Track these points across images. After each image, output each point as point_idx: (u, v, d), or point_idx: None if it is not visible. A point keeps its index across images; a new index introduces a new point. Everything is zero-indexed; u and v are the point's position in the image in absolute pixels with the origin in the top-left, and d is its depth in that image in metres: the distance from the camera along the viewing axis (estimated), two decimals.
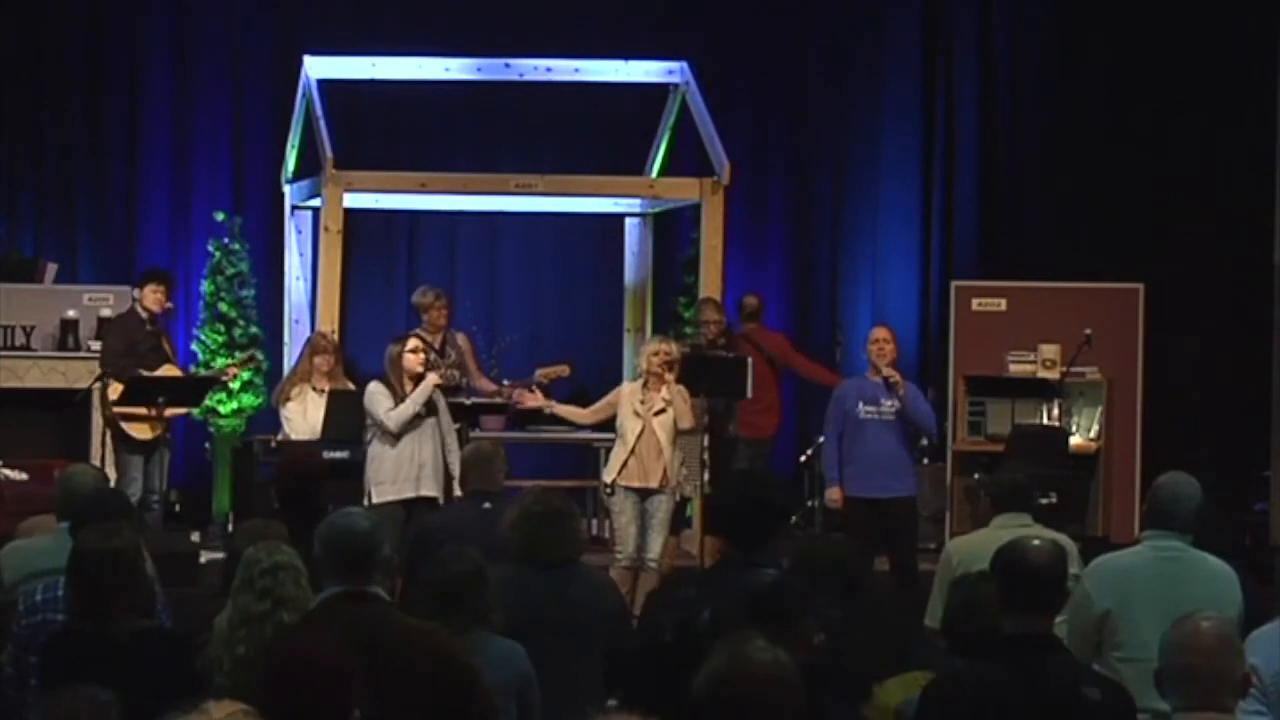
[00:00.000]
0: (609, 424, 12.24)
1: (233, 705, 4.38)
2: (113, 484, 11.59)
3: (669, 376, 12.02)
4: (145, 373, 13.47)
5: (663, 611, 6.30)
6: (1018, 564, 5.62)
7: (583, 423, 12.57)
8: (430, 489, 11.79)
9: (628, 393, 12.14)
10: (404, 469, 11.78)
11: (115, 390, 13.40)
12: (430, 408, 11.93)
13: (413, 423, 11.84)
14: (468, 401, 13.48)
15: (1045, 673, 5.50)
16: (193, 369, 15.17)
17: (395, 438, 11.81)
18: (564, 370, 14.22)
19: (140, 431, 13.47)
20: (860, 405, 12.24)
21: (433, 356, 13.57)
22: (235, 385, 15.15)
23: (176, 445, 14.43)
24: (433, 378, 11.91)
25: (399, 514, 11.59)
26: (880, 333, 12.44)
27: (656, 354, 12.05)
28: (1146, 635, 5.46)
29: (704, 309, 14.26)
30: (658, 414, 11.99)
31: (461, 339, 14.09)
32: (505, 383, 14.20)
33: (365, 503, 11.67)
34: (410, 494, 11.75)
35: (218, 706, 4.36)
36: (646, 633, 6.68)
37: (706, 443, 13.23)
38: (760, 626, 5.45)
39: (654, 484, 11.97)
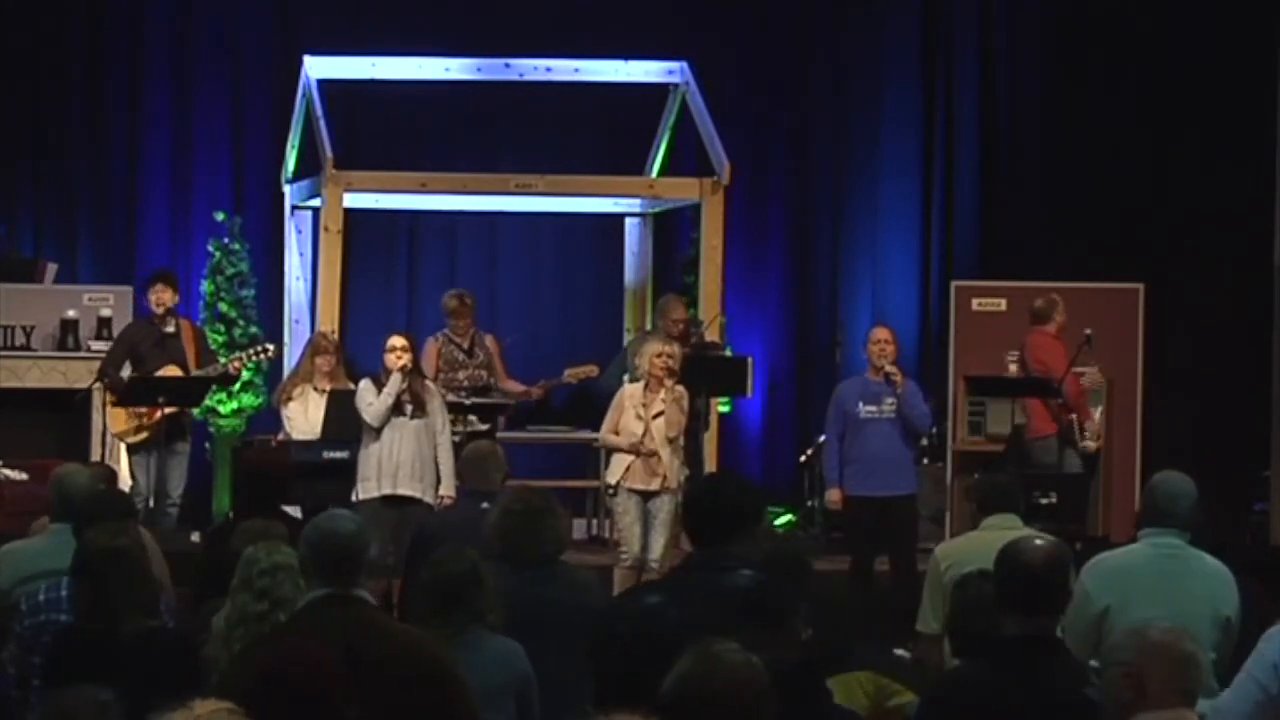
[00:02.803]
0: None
1: (217, 703, 4.38)
2: (118, 485, 11.59)
3: (669, 381, 12.02)
4: (138, 374, 13.44)
5: (622, 618, 6.31)
6: (1016, 564, 5.62)
7: (620, 445, 12.12)
8: (409, 488, 11.82)
9: (629, 395, 12.14)
10: (383, 466, 11.83)
11: (114, 395, 13.40)
12: (417, 408, 11.94)
13: (393, 421, 11.86)
14: (468, 401, 13.46)
15: (1046, 674, 5.50)
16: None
17: (376, 434, 11.85)
18: (592, 371, 14.18)
19: (129, 436, 13.46)
20: (860, 405, 12.25)
21: (460, 357, 13.61)
22: (236, 385, 15.12)
23: None
24: (397, 374, 11.91)
25: (385, 512, 11.62)
26: (881, 333, 12.45)
27: (659, 356, 12.04)
28: None
29: (673, 307, 14.15)
30: (657, 417, 11.99)
31: (490, 341, 14.09)
32: (541, 382, 14.17)
33: (353, 498, 11.73)
34: (387, 491, 11.78)
35: (202, 704, 4.36)
36: (599, 632, 6.71)
37: (683, 442, 13.20)
38: (750, 626, 5.46)
39: (655, 486, 11.98)
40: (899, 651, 9.94)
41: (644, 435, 11.96)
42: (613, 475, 12.05)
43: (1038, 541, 5.82)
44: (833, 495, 12.39)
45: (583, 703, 6.52)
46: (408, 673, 5.44)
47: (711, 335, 14.22)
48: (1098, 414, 13.92)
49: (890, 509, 12.16)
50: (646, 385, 12.07)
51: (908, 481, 12.35)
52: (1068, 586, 5.73)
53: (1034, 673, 5.49)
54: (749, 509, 6.55)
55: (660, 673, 4.79)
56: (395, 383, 11.90)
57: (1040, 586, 5.57)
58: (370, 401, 11.91)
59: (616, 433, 12.07)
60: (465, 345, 13.74)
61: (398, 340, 12.15)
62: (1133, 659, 5.27)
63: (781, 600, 5.84)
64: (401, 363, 11.96)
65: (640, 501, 11.97)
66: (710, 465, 13.99)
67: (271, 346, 14.27)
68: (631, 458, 11.96)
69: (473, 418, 12.89)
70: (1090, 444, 13.64)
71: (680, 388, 12.12)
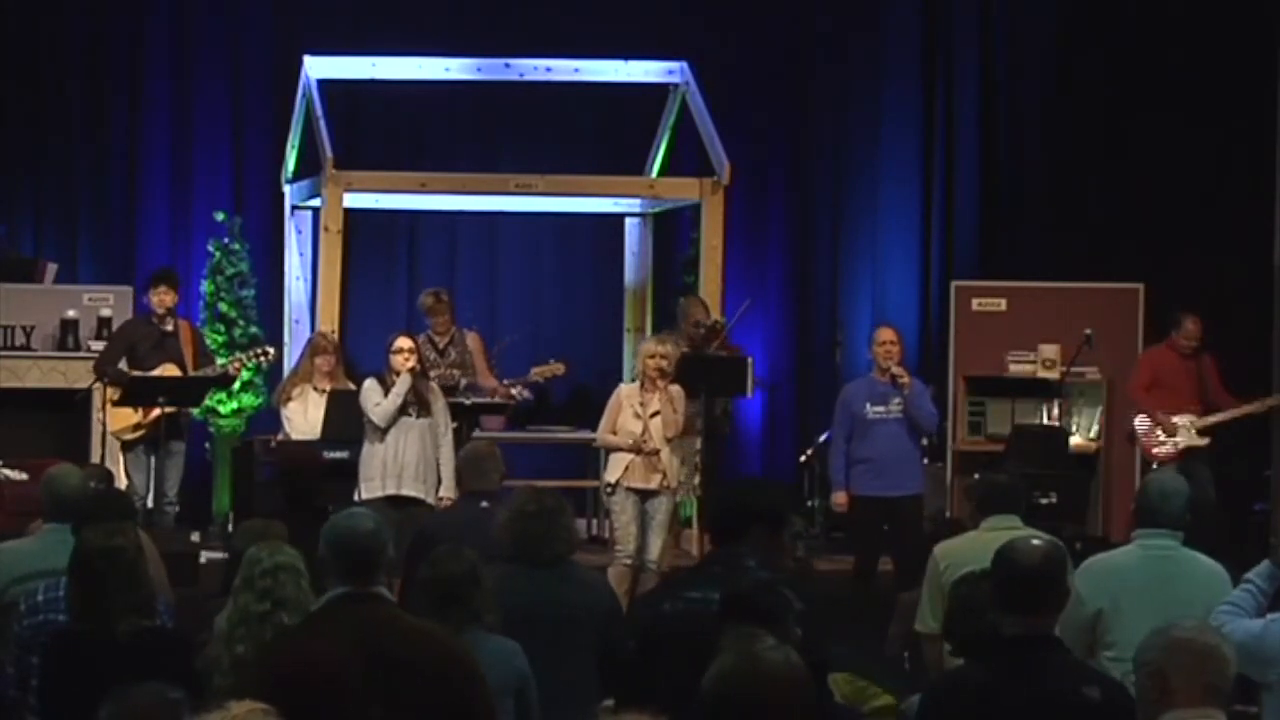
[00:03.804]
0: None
1: (253, 704, 4.39)
2: (116, 484, 11.58)
3: (661, 382, 12.01)
4: (138, 373, 13.44)
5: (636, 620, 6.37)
6: (1011, 566, 5.60)
7: (619, 444, 12.06)
8: (412, 489, 11.80)
9: (626, 395, 12.13)
10: (388, 467, 11.81)
11: (114, 393, 13.38)
12: (422, 409, 11.93)
13: (399, 421, 11.84)
14: (467, 402, 13.47)
15: (1045, 673, 5.49)
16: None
17: (381, 434, 11.84)
18: (559, 369, 14.19)
19: (125, 434, 13.45)
20: (868, 406, 12.27)
21: (432, 356, 13.58)
22: (235, 385, 15.11)
23: None
24: (406, 376, 11.89)
25: (388, 513, 11.59)
26: (887, 334, 12.47)
27: (652, 357, 12.05)
28: (1138, 635, 5.46)
29: (694, 309, 14.17)
30: (654, 416, 11.99)
31: (471, 338, 14.07)
32: (504, 381, 14.19)
33: (355, 497, 11.72)
34: (392, 491, 11.76)
35: (238, 705, 4.37)
36: (618, 644, 6.81)
37: (699, 445, 13.20)
38: (743, 625, 5.46)
39: (654, 485, 11.98)
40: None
41: (643, 434, 11.95)
42: (611, 474, 12.04)
43: (1034, 541, 5.81)
44: (838, 498, 12.40)
45: (594, 702, 6.54)
46: (428, 668, 5.45)
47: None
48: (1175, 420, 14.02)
49: (897, 509, 12.18)
50: (642, 385, 12.07)
51: (914, 482, 12.39)
52: (1065, 586, 5.72)
53: (1032, 672, 5.48)
54: (764, 512, 6.57)
55: (670, 670, 4.79)
56: (404, 384, 11.86)
57: (1035, 587, 5.56)
58: (377, 402, 11.88)
59: (614, 432, 12.07)
60: (440, 345, 13.72)
61: (405, 341, 12.11)
62: (1156, 658, 5.27)
63: (776, 602, 5.85)
64: (410, 364, 11.95)
65: (638, 501, 11.97)
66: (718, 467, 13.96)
67: (272, 350, 14.27)
68: (630, 457, 11.95)
69: None
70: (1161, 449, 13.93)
71: (675, 387, 12.12)
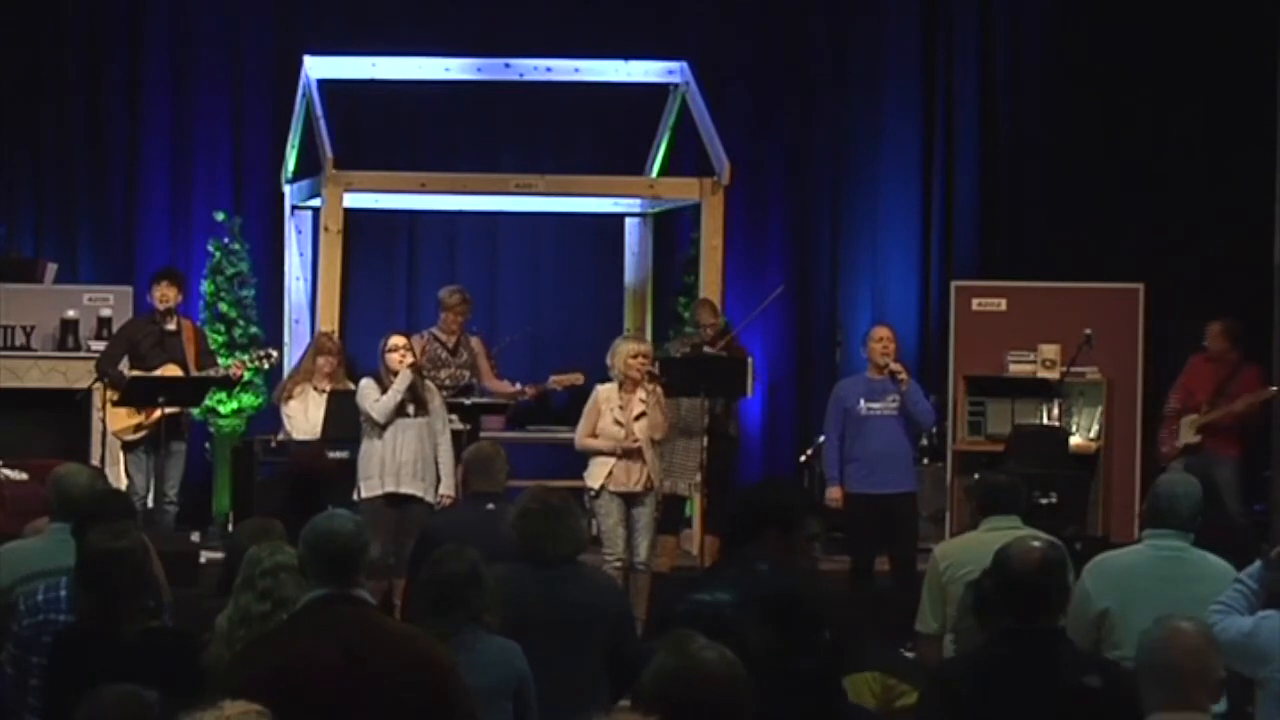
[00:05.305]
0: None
1: (246, 705, 4.39)
2: (116, 485, 11.57)
3: (650, 385, 11.98)
4: (140, 373, 13.44)
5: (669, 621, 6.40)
6: (1009, 571, 5.60)
7: (600, 448, 12.00)
8: (411, 487, 11.80)
9: (604, 397, 12.06)
10: (386, 465, 11.81)
11: (114, 393, 13.38)
12: (419, 407, 11.93)
13: (397, 419, 11.84)
14: (468, 402, 13.46)
15: (1047, 661, 5.51)
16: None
17: (380, 431, 11.83)
18: (578, 378, 14.16)
19: (127, 435, 13.45)
20: (862, 402, 12.27)
21: (443, 355, 13.59)
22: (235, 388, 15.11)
23: None
24: (407, 371, 11.88)
25: (387, 511, 11.62)
26: (883, 331, 12.49)
27: (636, 357, 12.01)
28: None
29: (701, 311, 14.22)
30: (637, 418, 11.95)
31: (475, 342, 14.07)
32: (522, 385, 14.16)
33: (354, 496, 11.72)
34: (390, 489, 11.77)
35: (232, 705, 4.37)
36: (627, 644, 6.85)
37: (706, 443, 13.20)
38: (772, 627, 5.47)
39: (638, 488, 11.95)
40: (904, 654, 10.00)
41: (626, 437, 11.92)
42: (594, 479, 11.97)
43: (1034, 543, 5.81)
44: (833, 493, 12.37)
45: (600, 702, 6.54)
46: (406, 672, 5.44)
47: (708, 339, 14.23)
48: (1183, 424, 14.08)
49: (892, 507, 12.17)
50: (621, 386, 12.03)
51: (908, 479, 12.37)
52: (1064, 588, 5.72)
53: (1035, 660, 5.50)
54: (776, 514, 6.57)
55: None
56: (405, 380, 11.85)
57: (1034, 592, 5.57)
58: (376, 398, 11.88)
59: (595, 435, 12.03)
60: (450, 344, 13.73)
61: (399, 339, 12.11)
62: (1144, 658, 5.29)
63: (805, 604, 5.86)
64: (410, 361, 11.95)
65: (623, 504, 11.94)
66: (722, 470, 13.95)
67: (275, 352, 14.27)
68: (612, 461, 11.90)
69: (453, 417, 12.86)
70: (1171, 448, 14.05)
71: (659, 388, 12.10)
